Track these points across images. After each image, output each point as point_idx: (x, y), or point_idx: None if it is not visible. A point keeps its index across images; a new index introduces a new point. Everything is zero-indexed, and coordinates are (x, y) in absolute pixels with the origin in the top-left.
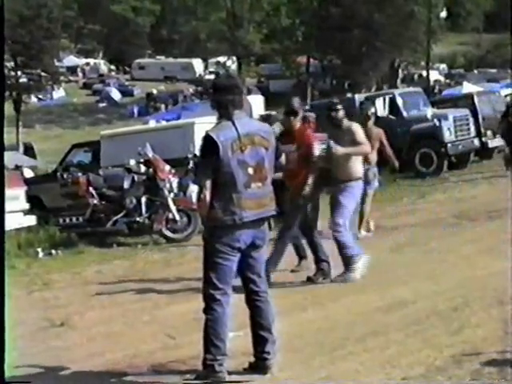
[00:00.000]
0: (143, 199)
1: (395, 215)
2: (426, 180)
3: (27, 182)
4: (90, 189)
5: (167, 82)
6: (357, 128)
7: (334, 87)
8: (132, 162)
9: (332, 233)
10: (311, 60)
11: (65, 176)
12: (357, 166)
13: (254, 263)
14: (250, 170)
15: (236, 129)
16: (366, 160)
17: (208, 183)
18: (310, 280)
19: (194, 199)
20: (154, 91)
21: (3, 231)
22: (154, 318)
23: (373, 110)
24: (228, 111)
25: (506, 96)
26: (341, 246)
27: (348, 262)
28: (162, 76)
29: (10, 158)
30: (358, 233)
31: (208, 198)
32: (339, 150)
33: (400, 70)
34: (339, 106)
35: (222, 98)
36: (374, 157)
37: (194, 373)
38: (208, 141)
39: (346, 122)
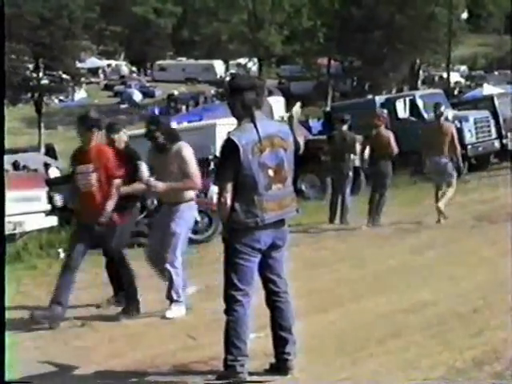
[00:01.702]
0: None
1: (416, 217)
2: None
3: (48, 182)
4: None
5: (188, 83)
6: (188, 154)
7: (354, 89)
8: None
9: (167, 266)
10: (332, 61)
11: None
12: None
13: (274, 264)
14: (271, 172)
15: (257, 131)
16: (442, 152)
17: (229, 186)
18: (123, 313)
19: (215, 200)
20: (175, 92)
21: (3, 232)
22: (175, 318)
23: (443, 107)
24: (251, 112)
25: None
26: (170, 283)
27: (171, 299)
28: (183, 77)
29: (34, 159)
30: (439, 203)
31: (229, 200)
32: (159, 186)
33: (420, 72)
34: (158, 133)
35: (245, 98)
36: (446, 150)
37: (215, 373)
38: (229, 144)
39: (173, 145)
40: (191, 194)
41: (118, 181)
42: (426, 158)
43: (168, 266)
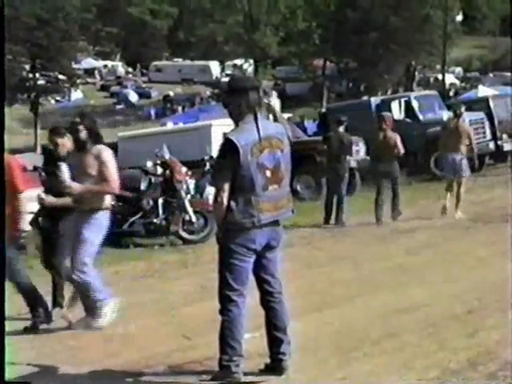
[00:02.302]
0: (160, 201)
1: (411, 218)
2: (442, 183)
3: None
4: None
5: (184, 84)
6: (108, 157)
7: (349, 90)
8: (149, 164)
9: (75, 272)
10: (327, 63)
11: None
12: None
13: (269, 264)
14: (268, 173)
15: (258, 131)
16: (458, 150)
17: (226, 186)
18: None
19: (211, 201)
20: (171, 93)
21: (3, 231)
22: (171, 318)
23: (463, 109)
24: (254, 112)
25: None
26: (85, 289)
27: (93, 306)
28: (179, 78)
29: (31, 159)
30: (456, 214)
31: (225, 200)
32: (74, 187)
33: (416, 73)
34: (81, 127)
35: (250, 98)
36: (464, 149)
37: (210, 373)
38: (228, 144)
39: (93, 146)
40: (108, 202)
41: (23, 195)
42: (442, 156)
43: (77, 272)
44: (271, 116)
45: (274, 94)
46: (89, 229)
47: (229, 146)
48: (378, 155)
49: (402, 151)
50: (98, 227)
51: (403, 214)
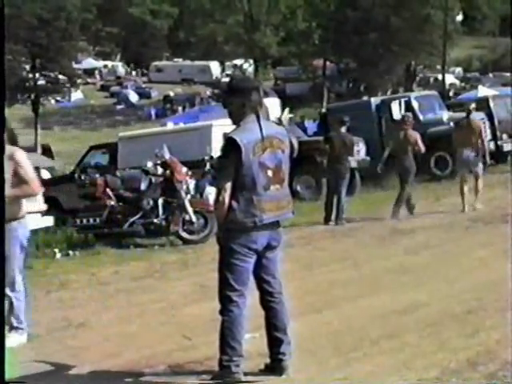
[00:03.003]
0: (160, 201)
1: (411, 218)
2: (442, 183)
3: (45, 183)
4: (108, 190)
5: (184, 84)
6: (22, 158)
7: (349, 90)
8: (149, 164)
9: (7, 291)
10: (327, 63)
11: (82, 177)
12: (18, 203)
13: (269, 264)
14: (270, 173)
15: (261, 131)
16: (472, 146)
17: (228, 186)
18: None
19: (211, 201)
20: (171, 93)
21: (3, 231)
22: (171, 318)
23: (473, 105)
24: (257, 112)
25: None
26: (9, 308)
27: (11, 325)
28: (179, 78)
29: (31, 159)
30: (476, 204)
31: (227, 200)
32: None
33: (416, 74)
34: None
35: (252, 98)
36: (475, 144)
37: (210, 373)
38: (231, 143)
39: (8, 147)
40: (24, 210)
41: None
42: (456, 153)
43: (7, 290)
44: (273, 118)
45: (277, 100)
46: (5, 244)
47: (231, 144)
48: (398, 152)
49: (423, 149)
50: (14, 239)
51: (403, 214)
